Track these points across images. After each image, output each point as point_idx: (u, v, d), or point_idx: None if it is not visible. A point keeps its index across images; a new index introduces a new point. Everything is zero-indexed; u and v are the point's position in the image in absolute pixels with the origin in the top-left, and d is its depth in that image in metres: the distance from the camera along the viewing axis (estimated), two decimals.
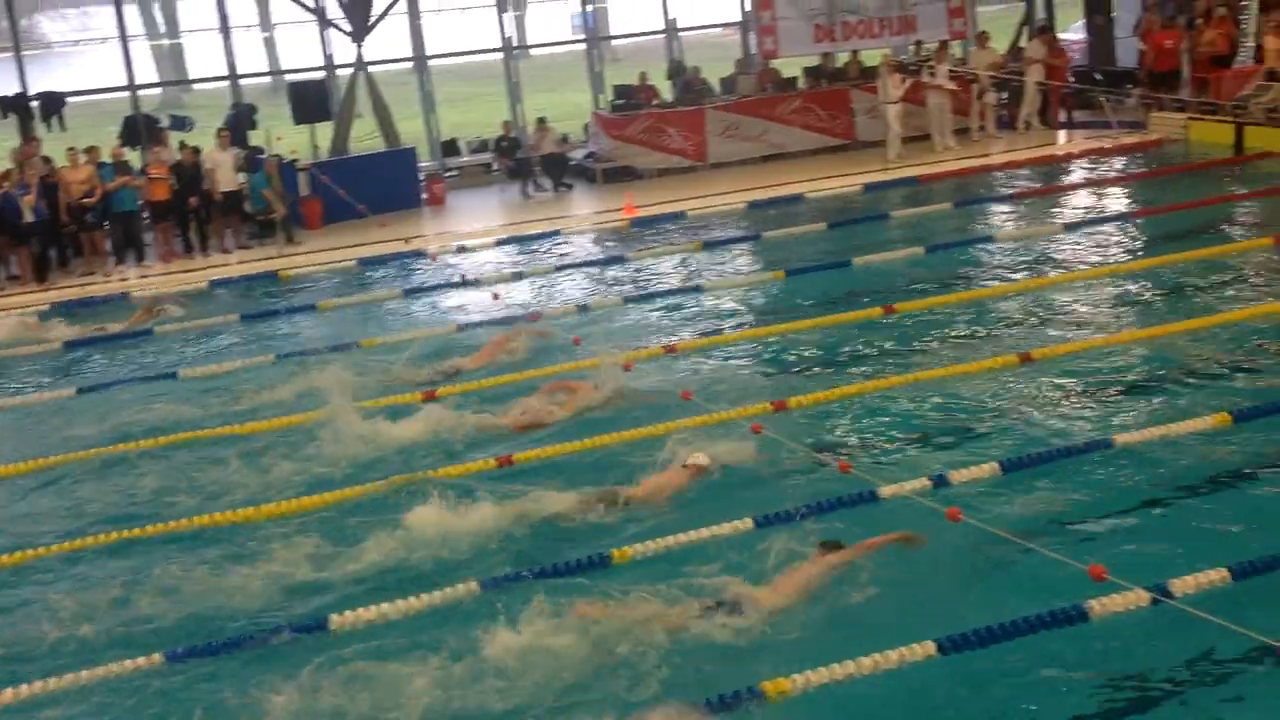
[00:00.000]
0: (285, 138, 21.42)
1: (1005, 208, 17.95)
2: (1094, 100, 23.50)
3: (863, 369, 11.00)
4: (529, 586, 7.19)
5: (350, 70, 22.86)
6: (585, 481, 8.70)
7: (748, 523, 7.94)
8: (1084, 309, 12.30)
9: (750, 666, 6.27)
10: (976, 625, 6.37)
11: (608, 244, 17.59)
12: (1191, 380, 9.95)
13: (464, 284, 15.71)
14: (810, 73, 24.29)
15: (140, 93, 22.84)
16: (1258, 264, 13.39)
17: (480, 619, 6.86)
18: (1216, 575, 6.72)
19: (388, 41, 24.12)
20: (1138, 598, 6.48)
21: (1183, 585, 6.63)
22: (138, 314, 15.32)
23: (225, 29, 23.45)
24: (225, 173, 19.27)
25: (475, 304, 14.76)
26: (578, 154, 23.80)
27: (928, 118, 22.50)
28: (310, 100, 21.60)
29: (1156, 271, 13.44)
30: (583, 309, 13.88)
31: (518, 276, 15.88)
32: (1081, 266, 13.90)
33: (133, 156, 20.22)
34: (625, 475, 8.71)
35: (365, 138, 23.74)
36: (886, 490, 8.23)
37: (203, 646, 6.99)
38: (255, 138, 21.66)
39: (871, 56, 24.45)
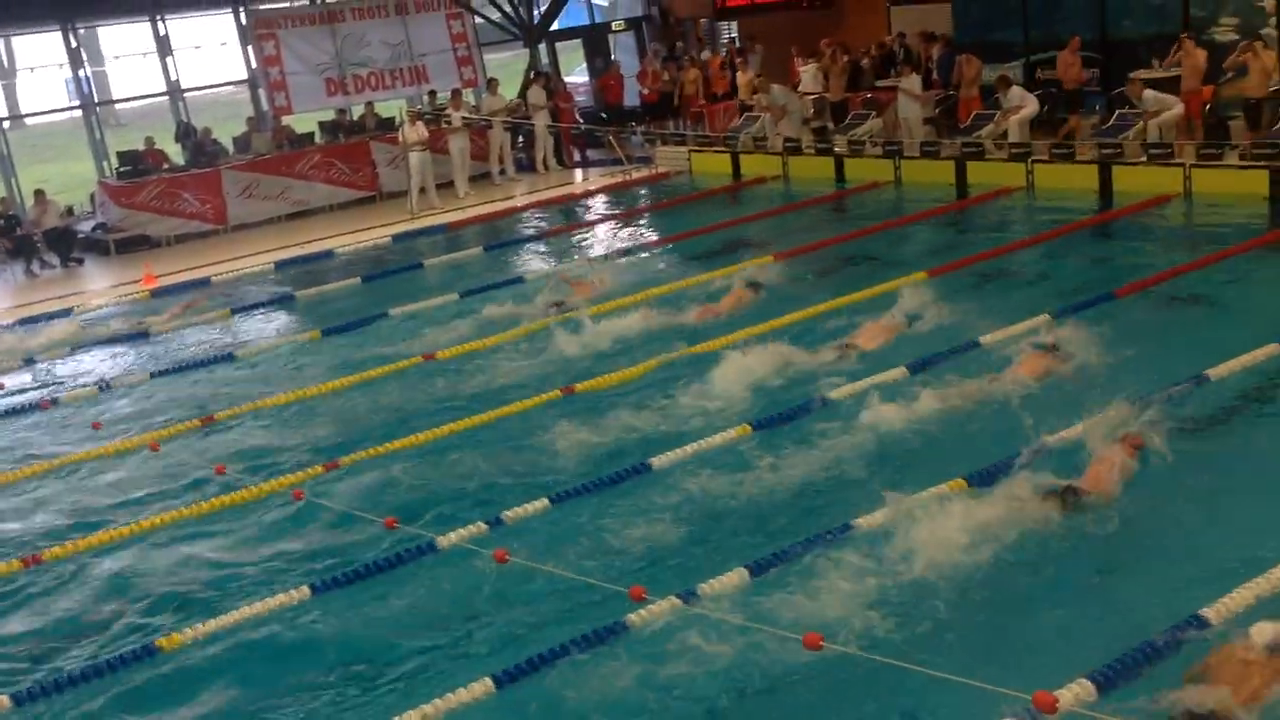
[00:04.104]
0: None
1: (534, 247, 18.49)
2: (603, 139, 24.72)
3: (414, 419, 10.92)
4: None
5: None
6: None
7: (304, 591, 7.71)
8: (620, 338, 12.74)
9: None
10: (530, 655, 6.55)
11: (128, 318, 16.53)
12: (719, 397, 10.53)
13: None
14: (327, 127, 24.05)
15: None
16: (765, 279, 14.43)
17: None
18: (736, 576, 7.21)
19: None
20: (670, 606, 6.85)
21: (709, 589, 7.06)
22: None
23: None
24: None
25: None
26: (86, 226, 22.35)
27: (450, 165, 22.82)
28: None
29: (681, 295, 14.17)
30: (104, 388, 12.98)
31: (28, 362, 14.62)
32: (612, 297, 14.42)
33: None
34: None
35: None
36: (443, 540, 8.21)
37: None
38: None
39: (388, 108, 24.55)
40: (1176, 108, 17.27)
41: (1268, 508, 7.63)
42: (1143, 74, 18.36)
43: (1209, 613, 6.26)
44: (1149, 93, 17.45)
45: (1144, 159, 17.01)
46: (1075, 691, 5.68)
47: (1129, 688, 5.78)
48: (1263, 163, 15.83)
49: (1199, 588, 6.60)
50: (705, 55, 26.26)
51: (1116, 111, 18.20)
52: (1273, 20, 17.71)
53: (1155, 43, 18.79)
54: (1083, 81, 18.93)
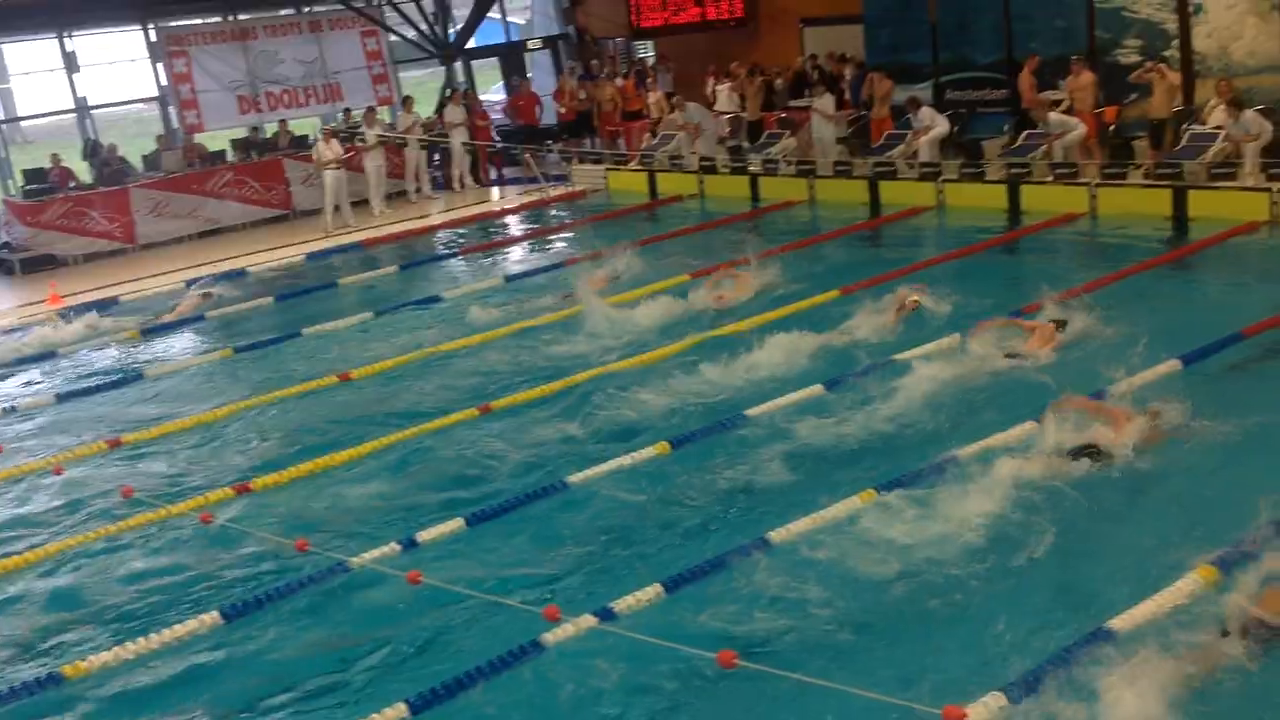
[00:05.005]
0: None
1: (450, 266, 18.39)
2: (520, 157, 24.70)
3: (328, 439, 10.77)
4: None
5: None
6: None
7: (215, 616, 7.57)
8: (532, 356, 12.73)
9: None
10: (445, 679, 6.48)
11: (33, 339, 16.15)
12: (638, 414, 10.54)
13: None
14: (239, 144, 23.75)
15: None
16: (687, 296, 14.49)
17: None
18: (652, 591, 7.22)
19: None
20: (586, 624, 6.84)
21: (624, 605, 7.07)
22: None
23: None
24: None
25: None
26: None
27: (365, 183, 22.64)
28: None
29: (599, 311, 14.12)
30: (9, 411, 12.67)
31: None
32: (527, 316, 14.34)
33: None
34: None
35: None
36: (356, 561, 8.11)
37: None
38: None
39: (302, 126, 24.31)
40: (1079, 129, 17.65)
41: (1167, 527, 7.74)
42: (1050, 95, 18.74)
43: (1116, 624, 6.38)
44: (1054, 115, 17.83)
45: (1051, 179, 17.35)
46: (987, 704, 5.75)
47: (1041, 701, 5.86)
48: (1165, 182, 16.21)
49: (1107, 600, 6.73)
50: (618, 81, 26.30)
51: (1024, 132, 18.54)
52: (1175, 43, 18.14)
53: (1060, 64, 19.15)
54: (1040, 102, 19.06)
